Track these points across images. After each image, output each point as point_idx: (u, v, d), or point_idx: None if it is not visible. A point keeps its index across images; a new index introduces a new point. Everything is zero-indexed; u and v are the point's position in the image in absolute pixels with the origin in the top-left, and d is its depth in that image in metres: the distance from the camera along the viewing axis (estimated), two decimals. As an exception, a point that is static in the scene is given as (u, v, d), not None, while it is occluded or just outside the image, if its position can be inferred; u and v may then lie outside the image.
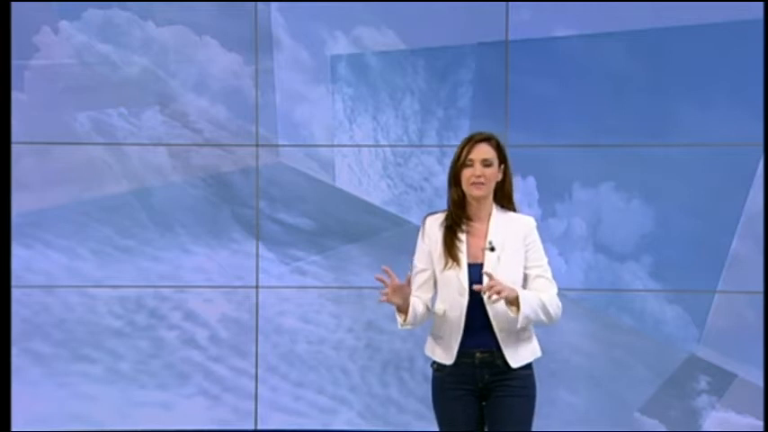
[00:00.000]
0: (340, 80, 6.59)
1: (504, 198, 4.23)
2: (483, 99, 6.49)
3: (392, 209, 6.58)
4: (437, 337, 4.21)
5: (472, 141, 4.19)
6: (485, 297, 4.06)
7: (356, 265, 6.54)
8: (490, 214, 4.20)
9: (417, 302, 4.17)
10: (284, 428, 6.50)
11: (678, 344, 6.42)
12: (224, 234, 6.55)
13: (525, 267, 4.17)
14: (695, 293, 6.38)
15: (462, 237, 4.17)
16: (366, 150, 6.59)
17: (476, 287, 4.05)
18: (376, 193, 6.59)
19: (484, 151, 4.17)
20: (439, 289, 4.21)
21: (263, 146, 6.55)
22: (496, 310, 4.11)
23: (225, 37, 6.55)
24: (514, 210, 4.25)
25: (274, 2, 6.55)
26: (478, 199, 4.18)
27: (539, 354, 4.21)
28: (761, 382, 6.31)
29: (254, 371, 6.50)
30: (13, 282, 6.22)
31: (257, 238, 6.54)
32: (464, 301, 4.12)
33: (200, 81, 6.58)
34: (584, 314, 6.44)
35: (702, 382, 6.40)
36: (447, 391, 4.19)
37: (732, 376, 6.38)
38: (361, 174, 6.59)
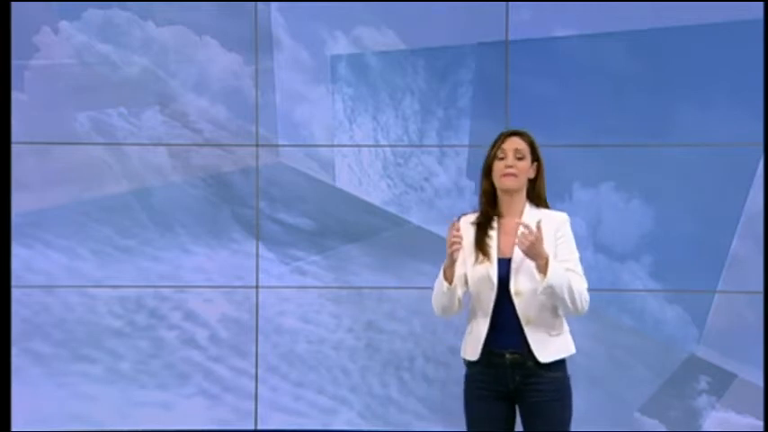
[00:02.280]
0: (340, 80, 6.59)
1: (536, 197, 4.21)
2: (483, 99, 6.49)
3: (392, 209, 6.58)
4: (468, 334, 4.20)
5: (504, 135, 4.21)
6: (518, 243, 4.01)
7: (356, 265, 6.54)
8: (522, 211, 4.18)
9: (458, 284, 4.15)
10: (284, 428, 6.49)
11: (678, 344, 6.41)
12: (224, 234, 6.55)
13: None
14: (695, 293, 6.38)
15: (493, 234, 4.15)
16: (366, 150, 6.59)
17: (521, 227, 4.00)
18: (376, 193, 6.59)
19: (516, 143, 4.18)
20: (470, 285, 4.17)
21: (263, 146, 6.55)
22: (524, 299, 4.09)
23: (225, 37, 6.55)
24: (547, 207, 4.23)
25: (274, 2, 6.54)
26: (510, 193, 4.16)
27: (572, 350, 4.18)
28: (761, 382, 6.31)
29: (254, 371, 6.50)
30: (13, 282, 6.22)
31: (257, 238, 6.53)
32: (492, 295, 4.10)
33: (200, 81, 6.58)
34: (584, 314, 6.42)
35: (702, 382, 6.40)
36: (474, 390, 4.17)
37: (732, 376, 6.38)
38: (361, 174, 6.59)
